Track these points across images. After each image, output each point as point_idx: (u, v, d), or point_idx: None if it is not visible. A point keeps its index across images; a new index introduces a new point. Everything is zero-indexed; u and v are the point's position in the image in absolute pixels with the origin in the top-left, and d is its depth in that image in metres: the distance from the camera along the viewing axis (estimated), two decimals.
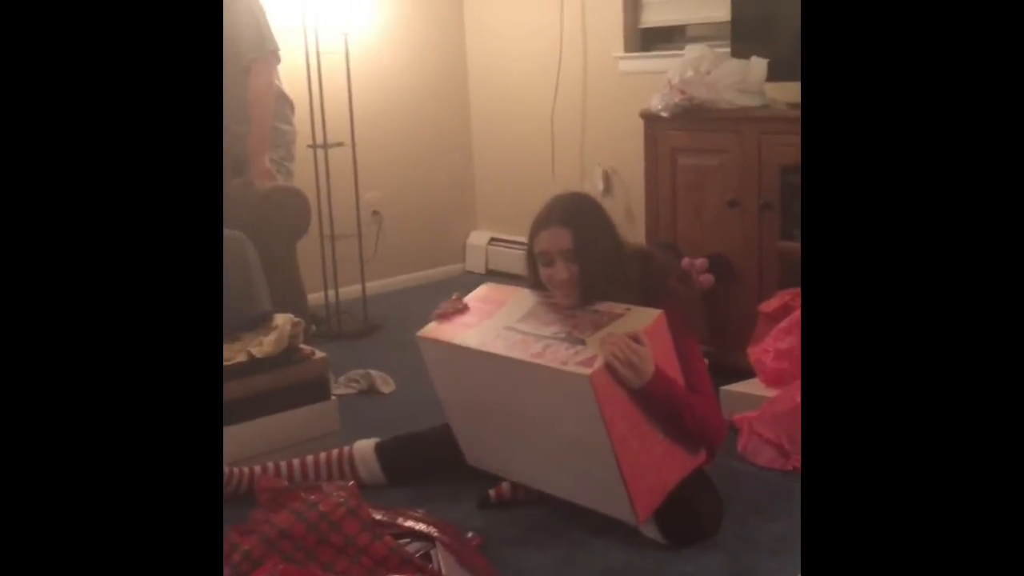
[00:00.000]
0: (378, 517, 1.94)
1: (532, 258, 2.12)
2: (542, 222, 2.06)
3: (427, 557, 1.88)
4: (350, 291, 3.90)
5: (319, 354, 2.57)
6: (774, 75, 2.88)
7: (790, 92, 2.95)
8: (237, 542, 1.81)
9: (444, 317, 2.19)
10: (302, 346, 2.56)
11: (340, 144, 3.72)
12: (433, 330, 2.17)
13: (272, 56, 3.19)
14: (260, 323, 2.59)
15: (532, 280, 2.16)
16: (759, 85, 2.90)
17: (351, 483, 2.04)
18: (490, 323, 2.10)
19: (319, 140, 3.67)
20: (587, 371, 1.81)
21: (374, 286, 4.12)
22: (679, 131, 3.02)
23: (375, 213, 4.26)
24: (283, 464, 2.30)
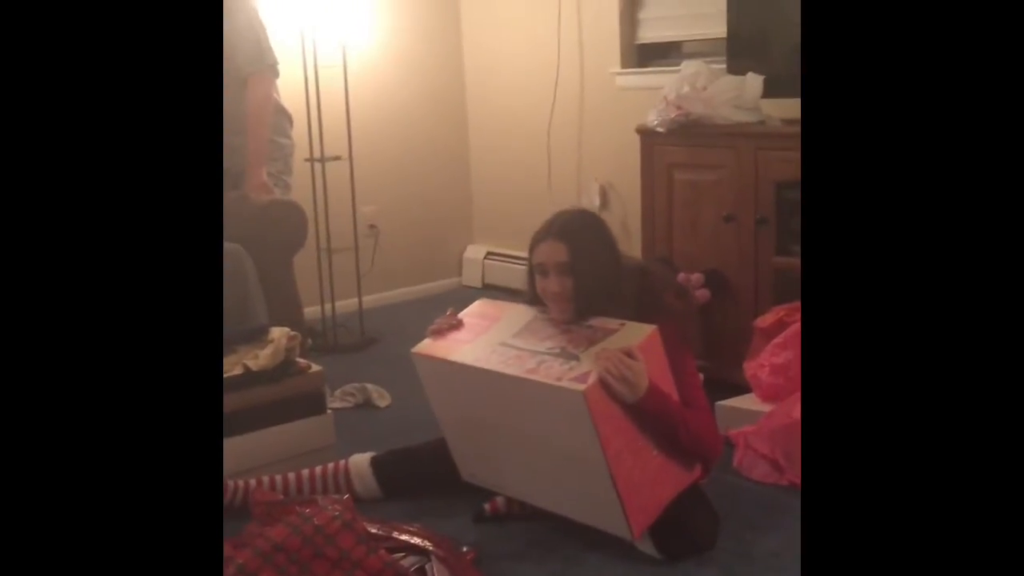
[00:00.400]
0: (373, 531, 1.94)
1: (531, 271, 2.13)
2: (541, 235, 2.08)
3: (422, 571, 1.88)
4: (347, 305, 3.90)
5: (315, 367, 2.57)
6: (770, 91, 2.90)
7: (786, 108, 2.97)
8: (231, 555, 1.80)
9: (438, 333, 2.19)
10: (298, 359, 2.56)
11: (338, 158, 3.73)
12: (428, 346, 2.17)
13: (271, 70, 3.20)
14: (256, 336, 2.59)
15: (530, 294, 2.17)
16: (755, 101, 2.91)
17: (346, 497, 2.04)
18: (485, 339, 2.10)
19: (317, 154, 3.69)
20: (581, 387, 1.81)
21: (371, 300, 4.13)
22: (675, 146, 3.04)
23: (372, 227, 4.27)
24: (278, 478, 2.30)
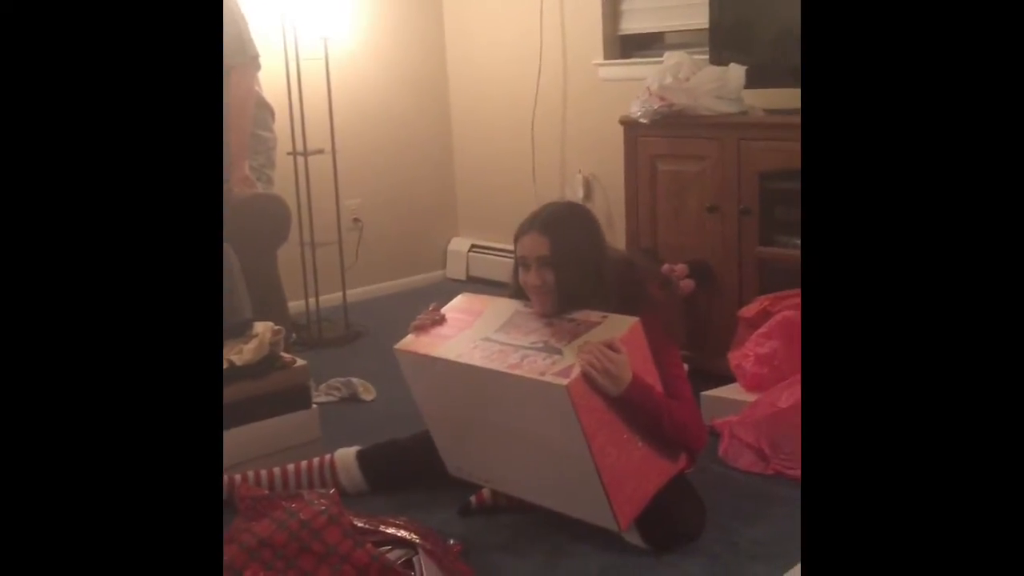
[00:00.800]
0: (359, 525, 1.94)
1: (516, 263, 2.13)
2: (524, 228, 2.08)
3: (409, 564, 1.88)
4: (331, 298, 3.89)
5: (300, 362, 2.57)
6: (752, 82, 2.90)
7: (768, 98, 2.98)
8: None
9: (421, 329, 2.18)
10: (283, 354, 2.55)
11: (320, 151, 3.71)
12: (410, 343, 2.16)
13: (252, 62, 3.18)
14: (241, 331, 2.58)
15: (514, 286, 2.16)
16: (737, 91, 2.92)
17: (332, 491, 2.04)
18: (468, 334, 2.10)
19: (299, 147, 3.67)
20: (564, 381, 1.81)
21: (355, 293, 4.12)
22: (658, 137, 3.04)
23: (356, 220, 4.25)
24: (263, 472, 2.30)
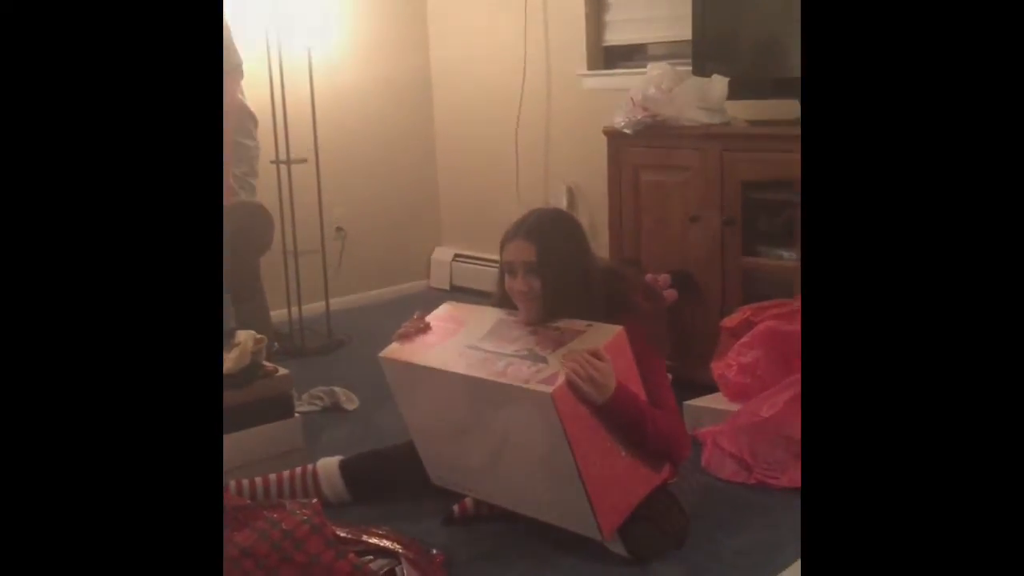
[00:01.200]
0: (342, 534, 1.94)
1: (501, 270, 2.13)
2: (511, 234, 2.08)
3: (392, 574, 1.88)
4: (314, 307, 3.88)
5: (282, 371, 2.56)
6: (735, 93, 2.92)
7: (751, 109, 2.99)
8: None
9: (406, 337, 2.18)
10: (265, 363, 2.54)
11: (304, 160, 3.71)
12: (395, 350, 2.16)
13: (235, 70, 3.17)
14: (223, 340, 2.57)
15: (499, 294, 2.17)
16: (720, 102, 2.93)
17: (315, 501, 2.03)
18: (452, 342, 2.10)
19: (282, 155, 3.66)
20: (549, 389, 1.82)
21: (338, 302, 4.10)
22: (642, 148, 3.05)
23: (339, 229, 4.25)
24: (245, 482, 2.28)
